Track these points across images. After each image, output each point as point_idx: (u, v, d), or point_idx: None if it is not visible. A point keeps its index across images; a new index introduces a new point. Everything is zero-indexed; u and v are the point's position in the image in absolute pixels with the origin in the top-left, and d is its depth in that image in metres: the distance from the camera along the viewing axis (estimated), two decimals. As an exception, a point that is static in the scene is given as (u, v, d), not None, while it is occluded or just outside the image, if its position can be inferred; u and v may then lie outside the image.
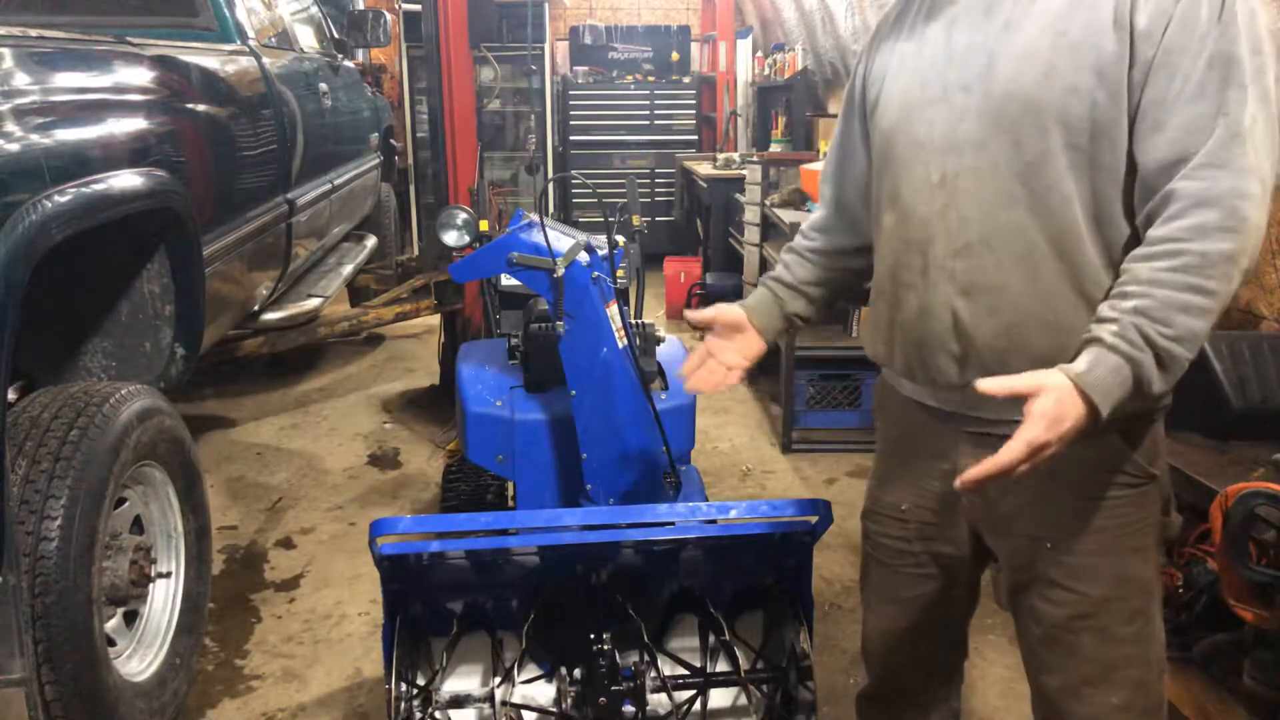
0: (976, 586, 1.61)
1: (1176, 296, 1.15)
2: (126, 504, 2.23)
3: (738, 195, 5.11)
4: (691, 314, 1.64)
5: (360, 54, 6.91)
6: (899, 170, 1.38)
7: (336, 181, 4.32)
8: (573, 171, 4.18)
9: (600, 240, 2.48)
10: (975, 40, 1.30)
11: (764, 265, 4.61)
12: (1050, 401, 1.14)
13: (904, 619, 1.61)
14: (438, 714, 1.88)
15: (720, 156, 6.32)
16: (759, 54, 7.50)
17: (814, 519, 1.81)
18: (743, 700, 1.97)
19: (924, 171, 1.34)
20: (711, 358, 1.60)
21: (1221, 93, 1.16)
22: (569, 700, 1.87)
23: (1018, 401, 1.24)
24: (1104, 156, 1.23)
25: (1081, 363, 1.16)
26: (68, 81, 2.16)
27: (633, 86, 7.85)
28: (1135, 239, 1.24)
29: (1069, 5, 1.23)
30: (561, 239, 2.28)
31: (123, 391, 2.16)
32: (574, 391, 2.22)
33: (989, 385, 1.18)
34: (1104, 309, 1.20)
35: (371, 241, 5.14)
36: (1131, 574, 1.38)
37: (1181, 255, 1.15)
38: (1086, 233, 1.26)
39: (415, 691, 1.87)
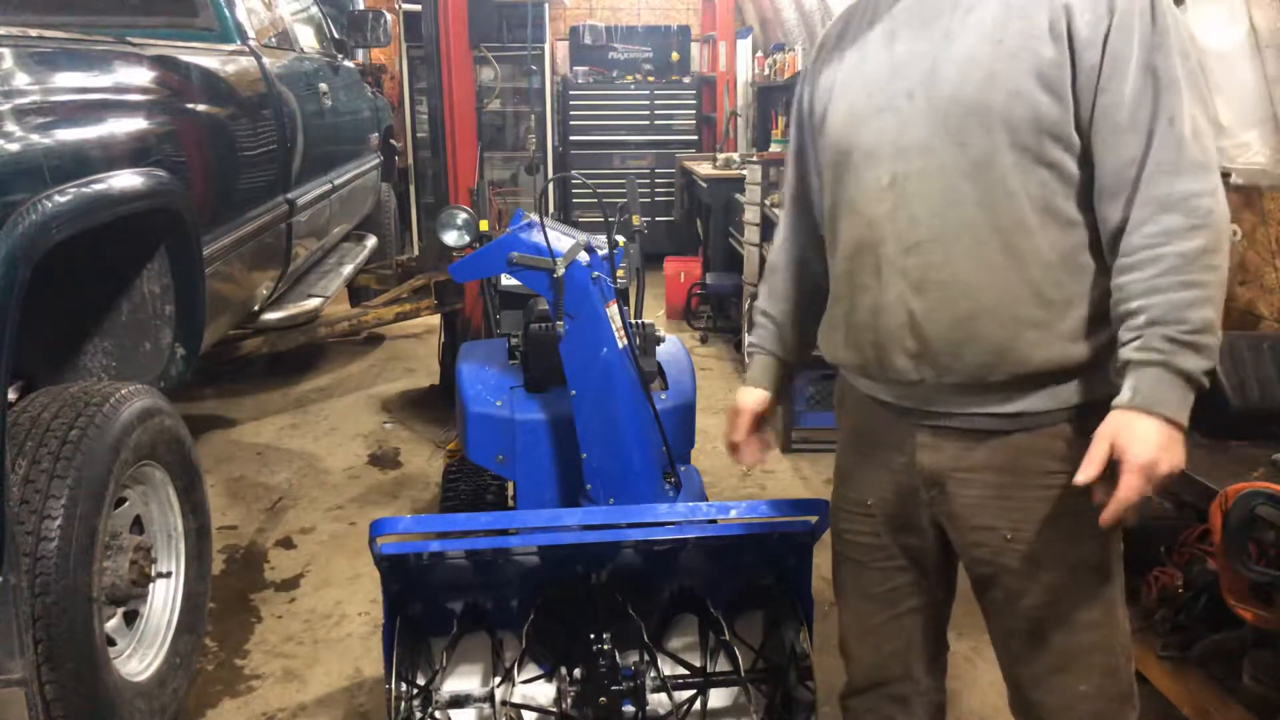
0: (951, 578, 1.62)
1: (1176, 296, 1.22)
2: (126, 504, 2.23)
3: (738, 195, 5.11)
4: (741, 444, 1.74)
5: (360, 54, 6.90)
6: (850, 179, 1.43)
7: (337, 181, 4.32)
8: (573, 171, 4.18)
9: (600, 240, 2.48)
10: (917, 49, 1.36)
11: (764, 265, 4.60)
12: (1125, 442, 1.22)
13: (878, 613, 1.62)
14: (438, 714, 1.88)
15: (720, 156, 6.32)
16: (759, 54, 7.50)
17: (814, 519, 1.81)
18: (743, 700, 1.97)
19: (874, 176, 1.39)
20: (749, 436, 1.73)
21: (1162, 98, 1.25)
22: (569, 700, 1.88)
23: (971, 394, 1.38)
24: (1051, 153, 1.30)
25: (1125, 391, 1.24)
26: (68, 81, 2.16)
27: (633, 86, 7.85)
28: (1090, 229, 1.33)
29: (1003, 16, 1.30)
30: (561, 239, 2.28)
31: (123, 391, 2.16)
32: (574, 391, 2.22)
33: (1082, 480, 1.25)
34: (1121, 333, 1.27)
35: (371, 241, 5.14)
36: (1090, 561, 1.41)
37: (1162, 260, 1.23)
38: (1035, 225, 1.31)
39: (415, 691, 1.87)
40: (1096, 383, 1.36)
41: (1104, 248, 1.32)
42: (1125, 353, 1.25)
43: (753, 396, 1.75)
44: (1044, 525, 1.39)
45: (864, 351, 1.45)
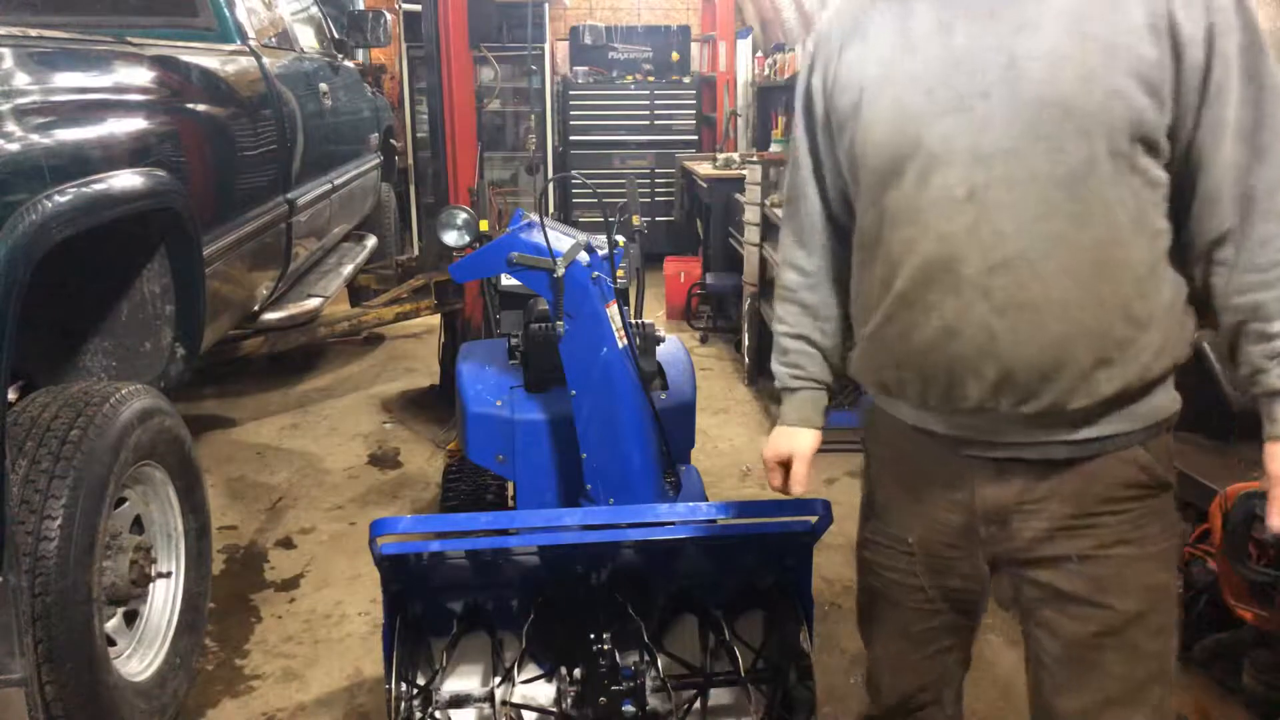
0: (985, 605, 1.55)
1: None
2: (126, 504, 2.23)
3: (738, 195, 5.10)
4: (798, 488, 1.54)
5: (360, 54, 6.91)
6: (909, 188, 1.28)
7: (336, 181, 4.32)
8: (573, 171, 4.18)
9: (600, 240, 2.48)
10: (985, 44, 1.23)
11: (764, 265, 4.61)
12: None
13: (914, 651, 1.54)
14: (438, 714, 1.88)
15: (720, 156, 6.31)
16: (759, 54, 7.50)
17: (814, 519, 1.81)
18: (743, 700, 1.97)
19: (945, 186, 1.25)
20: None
21: (1266, 104, 1.20)
22: (569, 700, 1.88)
23: (1043, 422, 1.28)
24: (1141, 160, 1.22)
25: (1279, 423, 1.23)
26: (68, 81, 2.16)
27: (633, 86, 7.85)
28: (1170, 238, 1.26)
29: (1087, 7, 1.20)
30: (561, 239, 2.28)
31: (123, 391, 2.16)
32: (574, 391, 2.22)
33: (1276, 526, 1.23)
34: (1259, 359, 1.23)
35: (371, 241, 5.14)
36: (1159, 585, 1.34)
37: None
38: (1128, 238, 1.23)
39: (415, 691, 1.87)
40: (1166, 399, 1.32)
41: (1193, 256, 1.27)
42: (1265, 380, 1.23)
43: (809, 442, 1.54)
44: (1117, 550, 1.32)
45: (923, 377, 1.33)
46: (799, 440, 1.53)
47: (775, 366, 1.58)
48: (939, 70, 1.25)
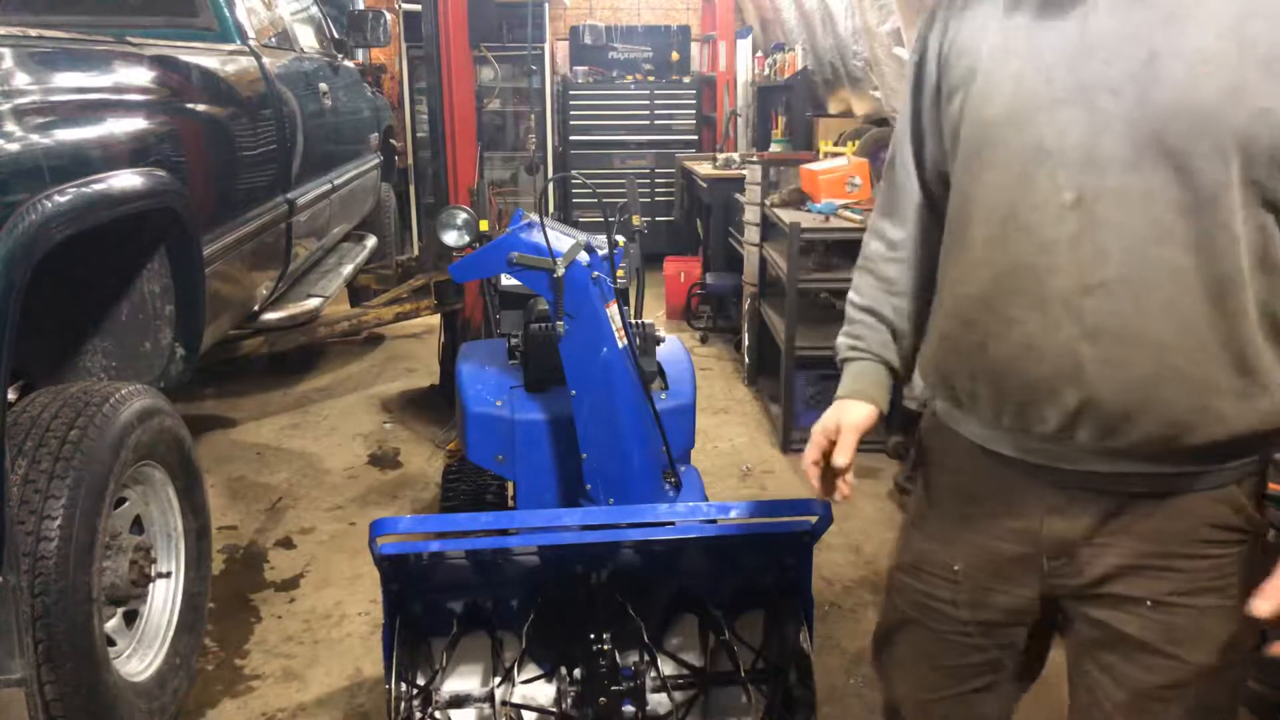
0: (1041, 655, 1.41)
1: None
2: (126, 504, 2.23)
3: (738, 195, 5.10)
4: (841, 471, 1.35)
5: (360, 54, 6.90)
6: (1009, 180, 1.15)
7: (336, 181, 4.32)
8: (573, 171, 4.18)
9: (600, 240, 2.48)
10: (1127, 31, 1.07)
11: (764, 265, 4.61)
12: None
13: (944, 687, 1.41)
14: (438, 714, 1.88)
15: (720, 156, 6.31)
16: (759, 54, 7.50)
17: (814, 519, 1.81)
18: (743, 700, 1.97)
19: (1050, 186, 1.11)
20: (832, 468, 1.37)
21: None
22: (569, 700, 1.88)
23: (1124, 454, 1.15)
24: (1278, 194, 1.06)
25: None
26: (68, 81, 2.16)
27: (633, 86, 7.85)
28: None
29: (1251, 5, 1.03)
30: (561, 239, 2.28)
31: (123, 391, 2.16)
32: (574, 391, 2.22)
33: (1263, 615, 1.06)
34: None
35: (371, 241, 5.14)
36: (1238, 641, 1.21)
37: None
38: (1249, 279, 1.08)
39: (415, 691, 1.87)
40: (1271, 444, 1.17)
41: None
42: None
43: (860, 413, 1.36)
44: (1197, 597, 1.19)
45: (999, 393, 1.21)
46: (847, 411, 1.36)
47: (838, 339, 1.45)
48: (1069, 52, 1.10)
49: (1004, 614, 1.33)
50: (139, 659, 2.25)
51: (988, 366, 1.21)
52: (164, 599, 2.35)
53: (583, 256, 2.23)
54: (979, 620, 1.35)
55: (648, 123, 7.81)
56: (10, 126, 1.85)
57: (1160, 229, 1.07)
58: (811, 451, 1.37)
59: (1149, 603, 1.20)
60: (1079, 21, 1.10)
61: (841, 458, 1.33)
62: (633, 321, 2.52)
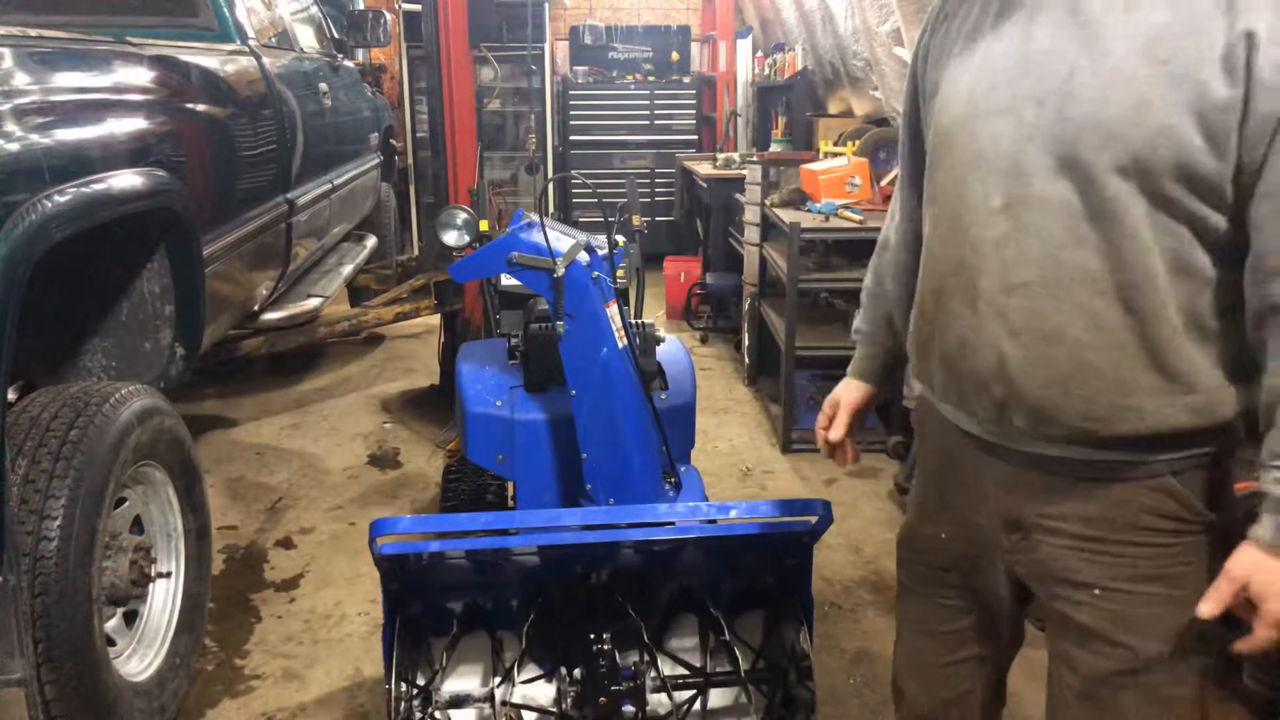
0: (1020, 627, 1.49)
1: None
2: (126, 504, 2.23)
3: (738, 195, 5.10)
4: (838, 443, 1.61)
5: (360, 54, 6.91)
6: (954, 183, 1.24)
7: (336, 181, 4.32)
8: (573, 171, 4.17)
9: (600, 240, 2.48)
10: (1056, 48, 1.13)
11: (764, 265, 4.61)
12: (1263, 590, 1.10)
13: (938, 654, 1.50)
14: (438, 714, 1.88)
15: (720, 156, 6.31)
16: (759, 54, 7.50)
17: (814, 519, 1.81)
18: (743, 700, 1.97)
19: (983, 191, 1.19)
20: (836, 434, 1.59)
21: None
22: (569, 700, 1.88)
23: (1060, 438, 1.21)
24: (1193, 206, 1.09)
25: (1268, 528, 1.10)
26: (68, 81, 2.16)
27: (633, 86, 7.85)
28: (1227, 287, 1.13)
29: (1171, 27, 1.06)
30: (561, 239, 2.28)
31: (123, 391, 2.16)
32: (574, 391, 2.22)
33: (1205, 615, 1.13)
34: (1265, 455, 1.11)
35: (371, 241, 5.14)
36: (1190, 632, 1.22)
37: None
38: (1164, 285, 1.12)
39: (415, 691, 1.87)
40: (1217, 439, 1.20)
41: (1249, 321, 1.12)
42: (1265, 484, 1.10)
43: (855, 392, 1.59)
44: (1143, 587, 1.22)
45: (948, 379, 1.30)
46: (846, 389, 1.61)
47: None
48: (1009, 65, 1.17)
49: (991, 580, 1.40)
50: (139, 659, 2.25)
51: (937, 356, 1.32)
52: (164, 599, 2.35)
53: (583, 256, 2.23)
54: (971, 586, 1.43)
55: (648, 123, 7.82)
56: (10, 126, 1.85)
57: (1075, 235, 1.13)
58: (821, 419, 1.62)
59: (1096, 590, 1.24)
60: (1022, 37, 1.17)
61: (834, 433, 1.59)
62: (633, 321, 2.52)
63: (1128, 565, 1.23)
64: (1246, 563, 1.11)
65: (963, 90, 1.23)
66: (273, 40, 3.83)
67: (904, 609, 1.57)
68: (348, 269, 4.53)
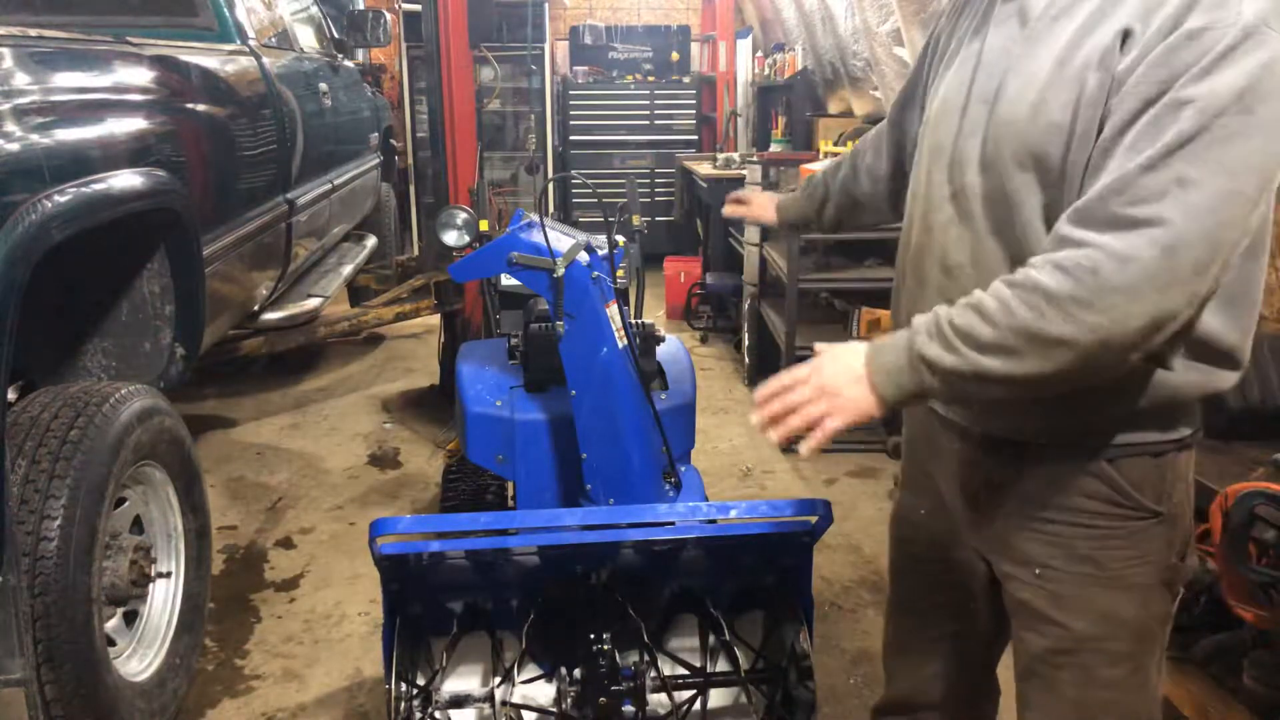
0: (1002, 612, 1.48)
1: (976, 301, 1.11)
2: (126, 504, 2.23)
3: (738, 195, 5.10)
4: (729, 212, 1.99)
5: (360, 54, 6.91)
6: (924, 169, 1.34)
7: (336, 181, 4.32)
8: (573, 171, 4.17)
9: (600, 240, 2.48)
10: (1002, 48, 1.23)
11: (764, 265, 4.61)
12: (827, 358, 1.22)
13: (919, 631, 1.56)
14: (438, 714, 1.88)
15: (720, 156, 6.32)
16: (759, 54, 7.50)
17: (814, 519, 1.81)
18: (743, 700, 1.97)
19: (941, 179, 1.29)
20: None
21: (1163, 153, 1.02)
22: (569, 700, 1.88)
23: (992, 414, 1.29)
24: (1068, 197, 1.13)
25: (882, 345, 1.19)
26: (68, 81, 2.16)
27: (633, 86, 7.85)
28: None
29: (1077, 33, 1.13)
30: (561, 239, 2.28)
31: (123, 391, 2.16)
32: (574, 391, 2.22)
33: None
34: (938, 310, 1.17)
35: (371, 241, 5.14)
36: (1121, 614, 1.28)
37: (1017, 281, 1.09)
38: None
39: (415, 691, 1.87)
40: (1156, 426, 1.23)
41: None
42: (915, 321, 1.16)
43: (765, 209, 1.92)
44: (1075, 565, 1.28)
45: None
46: (763, 206, 1.94)
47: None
48: (969, 67, 1.28)
49: (962, 554, 1.46)
50: (139, 659, 2.25)
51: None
52: (164, 599, 2.35)
53: (583, 256, 2.23)
54: (947, 560, 1.49)
55: (648, 123, 7.82)
56: (10, 126, 1.85)
57: (994, 223, 1.22)
58: (730, 208, 2.04)
59: (1037, 570, 1.31)
60: (985, 46, 1.26)
61: (729, 208, 2.04)
62: (633, 321, 2.52)
63: (1064, 545, 1.28)
64: (838, 347, 1.22)
65: (942, 88, 1.34)
66: (273, 40, 3.83)
67: (892, 589, 1.64)
68: (348, 269, 4.53)
